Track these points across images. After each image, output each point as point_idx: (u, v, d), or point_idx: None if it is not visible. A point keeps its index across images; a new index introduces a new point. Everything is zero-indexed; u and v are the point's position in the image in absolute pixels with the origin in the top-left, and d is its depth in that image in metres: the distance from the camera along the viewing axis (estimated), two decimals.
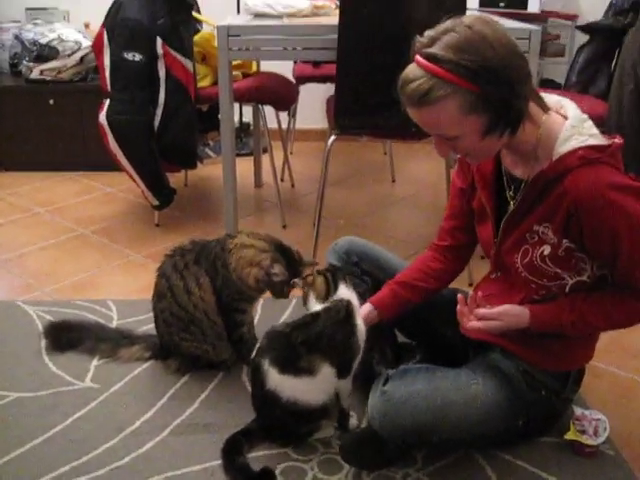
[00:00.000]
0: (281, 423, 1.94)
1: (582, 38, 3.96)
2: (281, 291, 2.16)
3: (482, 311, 1.79)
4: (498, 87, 1.50)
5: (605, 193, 1.56)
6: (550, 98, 1.72)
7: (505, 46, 1.51)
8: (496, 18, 3.01)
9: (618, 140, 1.65)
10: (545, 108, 1.66)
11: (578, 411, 1.99)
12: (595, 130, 1.64)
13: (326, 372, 1.86)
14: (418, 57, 1.53)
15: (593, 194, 1.57)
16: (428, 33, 1.55)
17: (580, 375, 1.96)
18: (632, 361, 2.43)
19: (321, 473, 1.88)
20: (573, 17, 4.62)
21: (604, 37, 3.60)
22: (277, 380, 1.88)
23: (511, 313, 1.78)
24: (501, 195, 1.82)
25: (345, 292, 1.95)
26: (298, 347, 1.87)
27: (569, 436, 1.93)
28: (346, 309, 1.90)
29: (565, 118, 1.65)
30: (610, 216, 1.57)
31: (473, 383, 1.82)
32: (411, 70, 1.54)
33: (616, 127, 3.03)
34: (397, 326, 2.19)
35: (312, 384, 1.87)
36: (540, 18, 4.55)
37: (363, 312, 1.99)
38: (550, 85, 4.46)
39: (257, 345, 1.98)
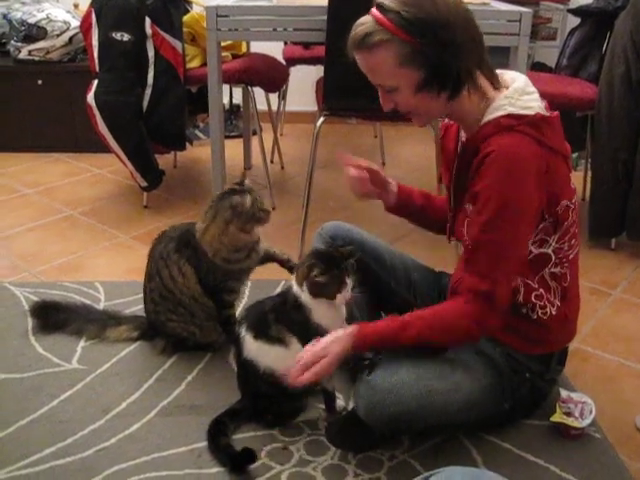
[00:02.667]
0: (264, 400, 1.94)
1: (574, 21, 3.94)
2: (258, 214, 2.14)
3: (303, 360, 1.74)
4: (433, 44, 1.55)
5: (498, 157, 1.58)
6: (507, 74, 1.74)
7: (452, 10, 1.56)
8: (487, 0, 3.01)
9: (549, 113, 1.66)
10: (496, 85, 1.68)
11: (564, 393, 2.00)
12: (535, 104, 1.65)
13: (297, 347, 1.85)
14: (373, 8, 1.60)
15: (491, 156, 1.59)
16: None
17: (563, 355, 1.96)
18: (618, 344, 2.44)
19: (307, 454, 1.88)
20: (565, 0, 4.60)
21: (595, 20, 3.59)
22: (253, 347, 1.90)
23: (331, 340, 1.74)
24: None
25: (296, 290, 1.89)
26: (268, 314, 1.90)
27: (555, 418, 1.94)
28: (294, 302, 1.87)
29: None
30: (488, 175, 1.60)
31: (458, 370, 1.81)
32: (362, 18, 1.62)
33: (606, 110, 3.02)
34: (382, 309, 2.19)
35: (286, 355, 1.87)
36: (532, 1, 4.53)
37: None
38: (541, 68, 4.45)
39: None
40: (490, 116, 1.64)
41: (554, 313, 1.83)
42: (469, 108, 1.68)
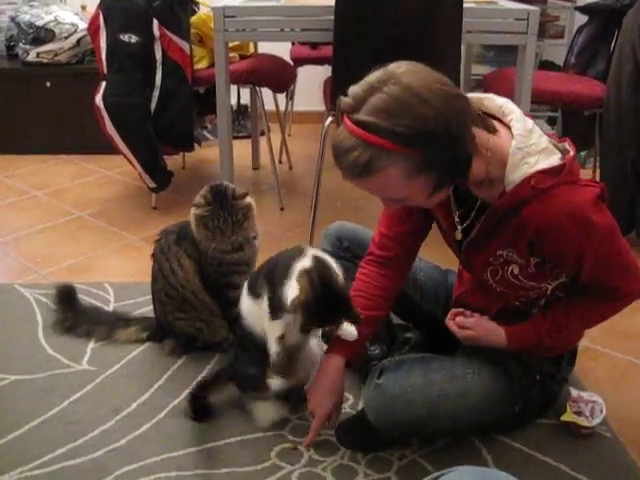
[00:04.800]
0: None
1: (581, 19, 3.93)
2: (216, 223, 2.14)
3: (459, 319, 1.82)
4: (441, 146, 1.41)
5: (565, 219, 1.50)
6: (494, 103, 1.62)
7: (439, 96, 1.39)
8: None
9: (570, 150, 1.57)
10: (491, 129, 1.54)
11: (574, 393, 1.99)
12: (543, 141, 1.54)
13: (264, 304, 1.81)
14: (347, 121, 1.42)
15: (553, 222, 1.51)
16: (353, 90, 1.43)
17: (573, 355, 1.95)
18: (628, 343, 2.43)
19: (317, 455, 1.88)
20: None
21: (603, 18, 3.58)
22: (245, 302, 1.91)
23: (485, 326, 1.80)
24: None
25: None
26: (260, 270, 1.92)
27: (565, 418, 1.94)
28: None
29: (510, 130, 1.56)
30: (571, 238, 1.53)
31: (468, 373, 1.81)
32: (344, 138, 1.43)
33: (614, 108, 3.02)
34: (392, 309, 2.19)
35: (257, 310, 1.85)
36: None
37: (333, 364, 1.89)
38: (550, 67, 4.43)
39: None
40: (515, 176, 1.51)
41: None
42: (476, 171, 1.53)
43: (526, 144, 1.52)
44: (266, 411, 1.98)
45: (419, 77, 1.40)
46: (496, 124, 1.57)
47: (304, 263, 1.72)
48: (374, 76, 1.42)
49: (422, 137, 1.38)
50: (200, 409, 2.01)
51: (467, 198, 1.70)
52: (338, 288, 1.71)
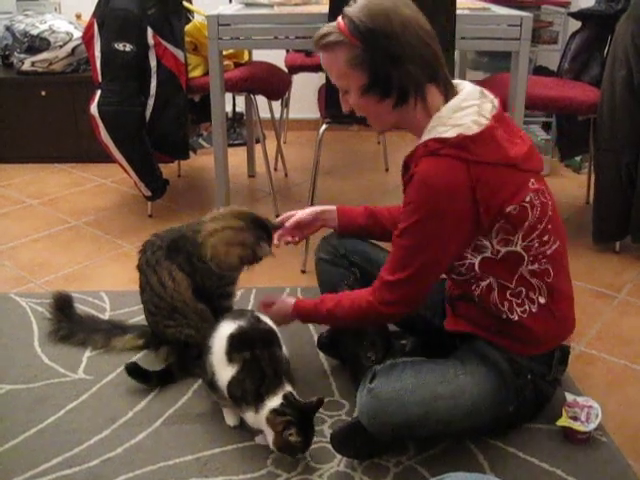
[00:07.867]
0: None
1: (575, 25, 3.95)
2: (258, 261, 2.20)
3: (263, 299, 2.16)
4: (377, 53, 1.67)
5: (417, 178, 1.70)
6: (459, 86, 1.80)
7: (407, 26, 1.66)
8: (488, 5, 3.02)
9: (482, 126, 1.68)
10: (450, 97, 1.74)
11: (570, 397, 2.00)
12: (467, 119, 1.69)
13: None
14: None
15: (415, 183, 1.70)
16: None
17: (564, 355, 1.95)
18: (624, 348, 2.43)
19: (313, 462, 1.88)
20: (566, 3, 4.60)
21: (596, 23, 3.59)
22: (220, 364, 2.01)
23: (281, 299, 2.11)
24: None
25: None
26: None
27: (561, 422, 1.94)
28: None
29: None
30: (408, 194, 1.75)
31: (461, 374, 1.81)
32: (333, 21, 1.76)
33: (609, 114, 3.02)
34: None
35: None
36: (533, 5, 4.54)
37: (324, 207, 2.25)
38: (544, 72, 4.44)
39: None
40: (425, 137, 1.73)
41: (534, 311, 1.82)
42: (415, 121, 1.77)
43: (447, 117, 1.71)
44: (230, 414, 2.04)
45: (407, 7, 1.71)
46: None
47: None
48: None
49: (367, 35, 1.66)
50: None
51: None
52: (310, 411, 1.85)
